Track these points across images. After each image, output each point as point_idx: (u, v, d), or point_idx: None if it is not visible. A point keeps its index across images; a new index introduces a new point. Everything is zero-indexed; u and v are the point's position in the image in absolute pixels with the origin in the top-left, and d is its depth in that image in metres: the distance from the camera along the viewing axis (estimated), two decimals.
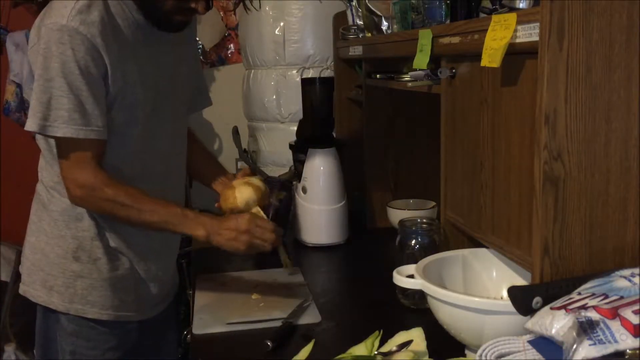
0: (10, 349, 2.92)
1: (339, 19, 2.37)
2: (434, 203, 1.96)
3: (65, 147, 1.35)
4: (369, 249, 1.96)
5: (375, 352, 1.15)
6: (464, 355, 1.17)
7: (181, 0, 1.35)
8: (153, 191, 1.41)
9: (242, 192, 1.49)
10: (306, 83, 2.19)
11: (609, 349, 0.79)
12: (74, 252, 1.43)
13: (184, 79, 1.56)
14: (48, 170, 1.45)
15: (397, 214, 1.93)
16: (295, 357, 1.19)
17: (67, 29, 1.26)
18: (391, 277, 1.23)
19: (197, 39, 3.17)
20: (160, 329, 1.62)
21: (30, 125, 1.31)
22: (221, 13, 3.22)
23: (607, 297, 0.88)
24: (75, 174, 1.35)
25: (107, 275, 1.45)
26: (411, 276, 1.21)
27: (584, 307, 0.86)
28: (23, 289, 1.49)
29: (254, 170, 2.58)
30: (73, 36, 1.26)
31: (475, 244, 1.36)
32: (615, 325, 0.81)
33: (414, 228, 1.50)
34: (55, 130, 1.30)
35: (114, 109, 1.37)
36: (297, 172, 2.05)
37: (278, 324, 1.37)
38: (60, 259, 1.44)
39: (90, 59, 1.28)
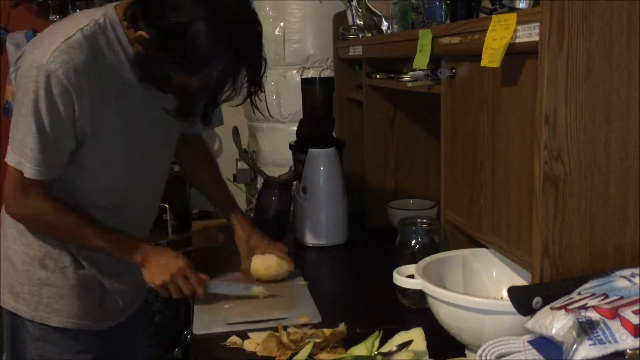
0: None
1: (339, 19, 2.37)
2: (434, 203, 1.96)
3: (18, 177, 1.32)
4: (369, 249, 1.96)
5: (375, 352, 1.15)
6: (464, 355, 1.17)
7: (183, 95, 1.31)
8: (120, 222, 1.45)
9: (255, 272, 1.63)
10: (306, 83, 2.19)
11: (609, 349, 0.80)
12: (41, 260, 1.43)
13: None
14: None
15: (397, 214, 1.92)
16: (295, 357, 1.19)
17: (45, 69, 1.24)
18: (391, 277, 1.23)
19: None
20: (129, 333, 1.62)
21: (10, 159, 1.32)
22: None
23: (607, 297, 0.88)
24: (19, 202, 1.35)
25: (73, 283, 1.44)
26: (411, 276, 1.21)
27: (584, 307, 0.86)
28: None
29: (255, 171, 2.58)
30: (49, 77, 1.24)
31: (475, 244, 1.36)
32: (615, 325, 0.81)
33: (414, 228, 1.50)
34: (24, 169, 1.30)
35: (83, 154, 1.35)
36: (297, 172, 2.05)
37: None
38: (27, 266, 1.43)
39: (61, 102, 1.26)
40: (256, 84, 1.30)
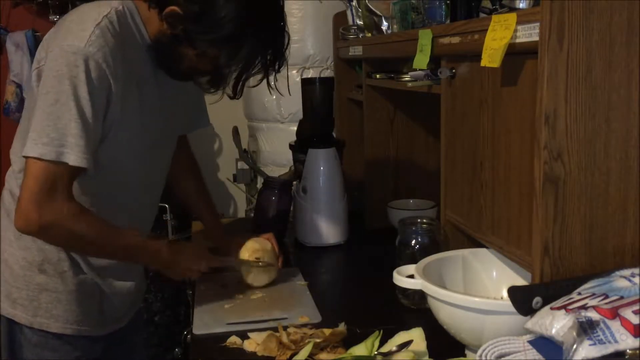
0: None
1: (339, 19, 2.37)
2: (434, 203, 1.96)
3: (44, 173, 1.22)
4: (369, 249, 1.96)
5: (375, 352, 1.15)
6: (464, 355, 1.17)
7: (200, 69, 1.34)
8: (124, 216, 1.43)
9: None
10: (306, 83, 2.19)
11: (609, 349, 0.80)
12: (39, 265, 1.39)
13: (184, 107, 1.54)
14: (18, 178, 1.35)
15: (397, 214, 1.92)
16: (295, 357, 1.19)
17: (83, 53, 1.22)
18: (391, 277, 1.23)
19: None
20: (128, 338, 1.61)
21: (43, 153, 1.21)
22: None
23: (607, 297, 0.88)
24: (43, 206, 1.23)
25: (72, 288, 1.41)
26: (411, 276, 1.21)
27: (584, 307, 0.86)
28: None
29: (255, 171, 2.58)
30: (87, 61, 1.22)
31: (475, 244, 1.36)
32: (615, 325, 0.81)
33: (414, 228, 1.50)
34: (67, 158, 1.22)
35: (106, 142, 1.33)
36: (297, 172, 2.05)
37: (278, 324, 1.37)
38: (25, 271, 1.40)
39: (99, 86, 1.25)
40: (280, 57, 1.38)
